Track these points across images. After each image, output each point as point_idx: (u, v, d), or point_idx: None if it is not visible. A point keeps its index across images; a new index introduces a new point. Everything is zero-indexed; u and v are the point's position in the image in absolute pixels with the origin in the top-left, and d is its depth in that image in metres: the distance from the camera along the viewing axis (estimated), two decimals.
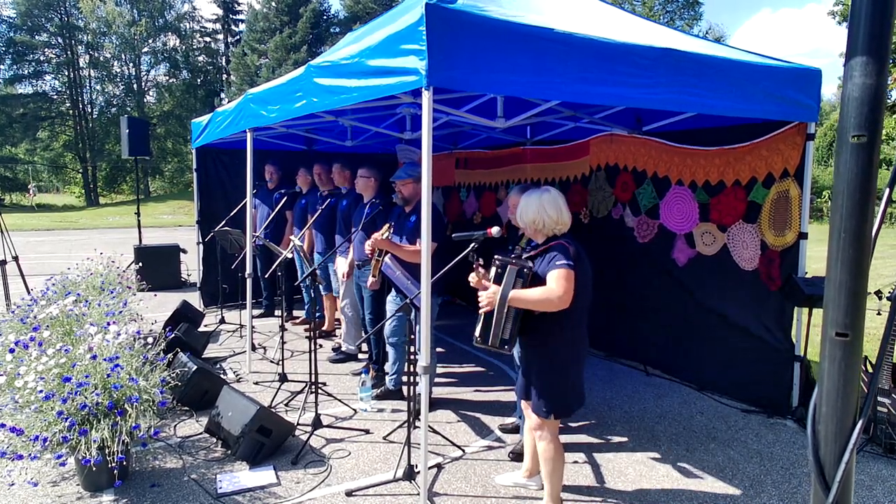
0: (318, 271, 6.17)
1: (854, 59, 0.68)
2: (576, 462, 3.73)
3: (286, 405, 4.62)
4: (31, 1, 40.84)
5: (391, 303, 4.55)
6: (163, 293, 8.58)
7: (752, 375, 4.61)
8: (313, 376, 4.30)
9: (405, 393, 4.59)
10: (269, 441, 3.73)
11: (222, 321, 7.02)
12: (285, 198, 6.00)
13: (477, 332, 2.91)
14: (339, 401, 4.67)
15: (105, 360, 3.10)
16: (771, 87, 3.99)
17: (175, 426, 4.21)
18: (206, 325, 6.82)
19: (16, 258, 6.68)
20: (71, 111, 44.41)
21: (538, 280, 2.82)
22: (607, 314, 5.87)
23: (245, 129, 5.25)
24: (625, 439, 4.09)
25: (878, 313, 3.74)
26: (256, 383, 5.12)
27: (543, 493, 3.09)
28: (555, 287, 2.72)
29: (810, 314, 4.18)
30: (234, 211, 6.71)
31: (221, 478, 3.49)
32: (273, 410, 4.16)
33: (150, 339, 3.76)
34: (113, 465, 2.83)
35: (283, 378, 4.95)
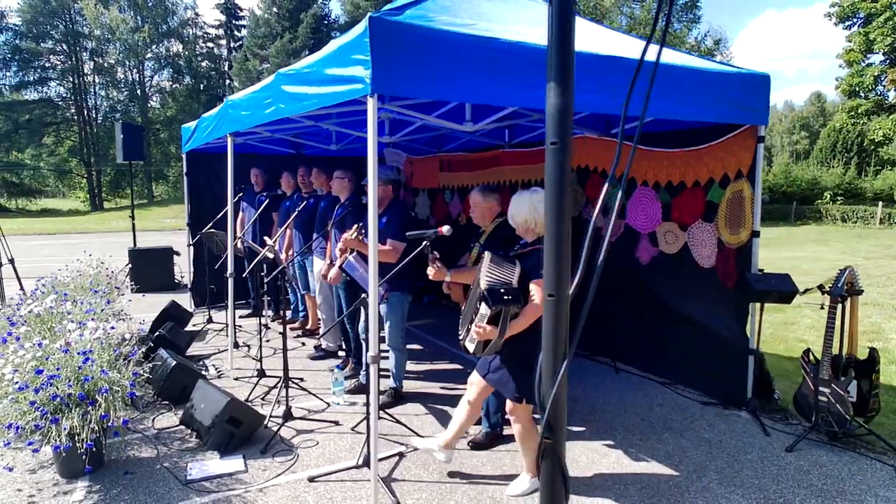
0: (295, 271, 6.40)
1: (550, 83, 0.87)
2: None
3: (262, 399, 4.81)
4: (37, 8, 41.46)
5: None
6: (157, 294, 8.79)
7: (711, 369, 4.78)
8: (287, 372, 4.49)
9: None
10: (240, 431, 3.92)
11: (210, 321, 7.22)
12: (268, 200, 6.19)
13: (472, 349, 3.00)
14: (314, 395, 4.85)
15: (78, 353, 3.29)
16: (724, 92, 4.17)
17: (154, 419, 4.40)
18: (194, 325, 7.02)
19: (11, 261, 6.89)
20: (76, 117, 45.01)
21: (525, 279, 3.00)
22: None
23: (226, 133, 5.44)
24: (583, 429, 4.26)
25: (822, 307, 3.89)
26: (237, 379, 5.31)
27: (522, 467, 3.46)
28: (537, 301, 2.96)
29: (762, 309, 4.33)
30: (221, 213, 6.91)
31: (192, 466, 3.67)
32: (247, 403, 4.35)
33: (126, 336, 3.95)
34: (81, 450, 3.02)
35: (261, 374, 5.15)
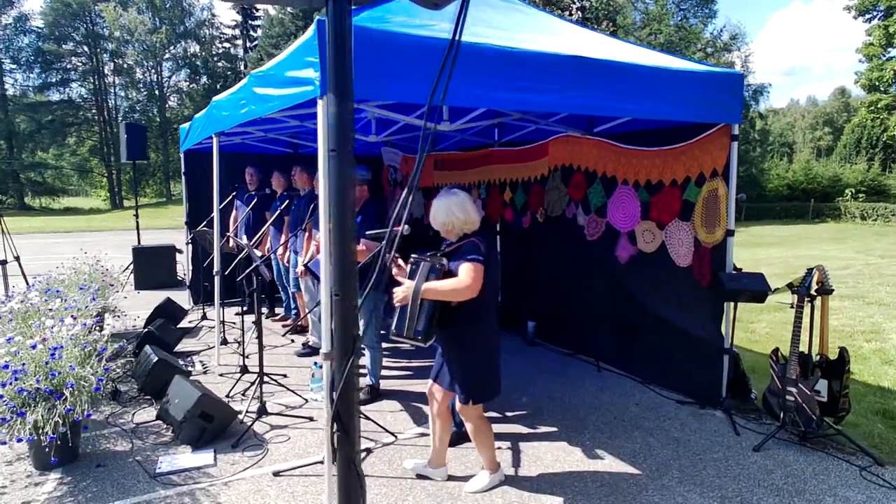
0: (286, 269, 6.48)
1: (328, 95, 0.91)
2: (499, 448, 3.92)
3: (243, 394, 4.89)
4: (58, 11, 42.37)
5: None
6: (158, 291, 8.97)
7: (688, 368, 4.76)
8: (262, 367, 4.57)
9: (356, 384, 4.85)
10: (212, 426, 4.00)
11: (204, 317, 7.35)
12: (256, 199, 6.28)
13: (392, 325, 3.16)
14: (292, 391, 4.92)
15: (48, 349, 3.39)
16: (697, 91, 4.15)
17: (134, 413, 4.51)
18: (189, 321, 7.16)
19: (17, 258, 7.07)
20: (96, 117, 45.95)
21: (452, 276, 3.06)
22: (564, 311, 6.06)
23: (211, 134, 5.53)
24: (554, 428, 4.27)
25: (791, 306, 3.85)
26: (221, 375, 5.41)
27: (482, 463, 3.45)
28: (464, 277, 2.98)
29: (735, 308, 4.30)
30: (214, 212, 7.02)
31: (163, 459, 3.76)
32: (227, 398, 4.44)
33: (101, 332, 4.05)
34: (45, 443, 3.12)
35: (244, 370, 5.24)
